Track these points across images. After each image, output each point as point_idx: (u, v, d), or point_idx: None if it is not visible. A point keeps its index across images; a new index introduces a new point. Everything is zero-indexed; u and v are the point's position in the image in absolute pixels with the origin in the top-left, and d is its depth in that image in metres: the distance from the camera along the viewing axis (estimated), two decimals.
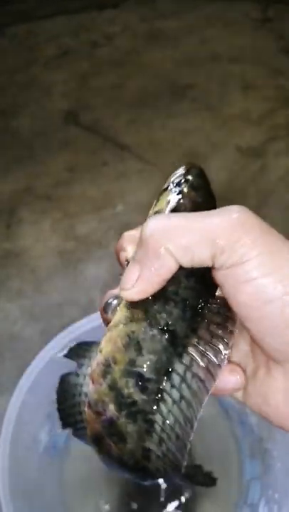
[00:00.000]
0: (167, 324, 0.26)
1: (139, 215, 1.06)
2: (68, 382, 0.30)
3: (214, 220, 0.26)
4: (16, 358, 0.89)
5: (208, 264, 0.25)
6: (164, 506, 0.70)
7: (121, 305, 0.28)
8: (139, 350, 0.26)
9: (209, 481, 0.56)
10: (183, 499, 0.70)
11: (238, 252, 0.25)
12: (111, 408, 0.26)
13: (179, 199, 0.30)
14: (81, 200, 1.10)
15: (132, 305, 0.27)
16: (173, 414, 0.26)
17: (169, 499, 0.70)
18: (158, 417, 0.26)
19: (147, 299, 0.27)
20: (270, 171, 1.14)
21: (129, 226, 1.09)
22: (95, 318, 0.62)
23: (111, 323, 0.28)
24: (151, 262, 0.26)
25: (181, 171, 0.32)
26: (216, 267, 0.25)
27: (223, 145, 1.19)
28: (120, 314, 0.28)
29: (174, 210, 0.30)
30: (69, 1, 1.64)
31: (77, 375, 0.30)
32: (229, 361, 0.29)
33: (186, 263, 0.26)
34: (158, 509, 0.70)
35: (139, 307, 0.27)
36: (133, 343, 0.26)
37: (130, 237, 0.32)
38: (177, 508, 0.69)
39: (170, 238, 0.26)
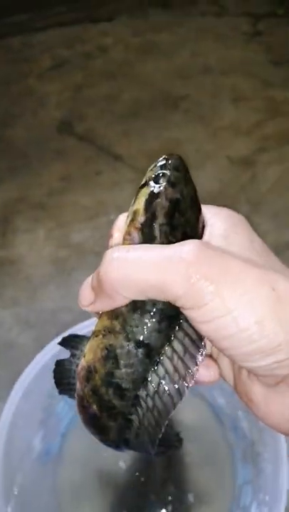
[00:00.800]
0: (143, 337, 0.27)
1: None
2: (63, 366, 0.32)
3: (170, 268, 0.25)
4: (11, 364, 0.90)
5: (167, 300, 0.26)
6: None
7: (104, 313, 0.29)
8: (116, 363, 0.27)
9: (177, 442, 0.57)
10: (176, 505, 0.71)
11: (192, 299, 0.25)
12: (94, 407, 0.29)
13: (156, 199, 0.29)
14: (75, 208, 1.11)
15: (111, 315, 0.28)
16: (147, 417, 0.28)
17: (163, 506, 0.71)
18: (135, 417, 0.28)
19: (125, 309, 0.28)
20: (259, 180, 1.16)
21: None
22: (89, 325, 0.63)
23: (93, 329, 0.29)
24: (104, 298, 0.28)
25: (159, 162, 0.30)
26: (176, 306, 0.26)
27: (214, 155, 1.22)
28: (101, 323, 0.29)
29: (151, 212, 0.29)
30: (64, 14, 1.68)
31: (70, 362, 0.32)
32: (207, 355, 0.30)
33: (141, 299, 0.27)
34: (150, 508, 0.70)
35: (118, 317, 0.28)
36: (111, 356, 0.28)
37: (120, 222, 0.34)
38: None
39: (124, 285, 0.26)
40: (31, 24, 1.63)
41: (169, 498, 0.71)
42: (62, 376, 0.32)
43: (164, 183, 0.29)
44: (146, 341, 0.27)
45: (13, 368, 0.90)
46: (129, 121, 1.30)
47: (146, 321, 0.27)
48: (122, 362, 0.28)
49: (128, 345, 0.27)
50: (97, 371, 0.28)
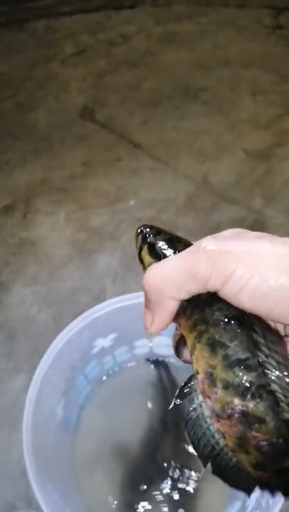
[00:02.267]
0: (227, 316, 0.29)
1: (151, 211, 1.12)
2: (191, 419, 0.30)
3: (192, 256, 0.29)
4: (31, 340, 0.95)
5: (206, 290, 0.29)
6: (167, 482, 0.75)
7: (184, 332, 0.31)
8: (223, 345, 0.29)
9: None
10: (187, 480, 0.75)
11: (220, 273, 0.27)
12: (237, 402, 0.27)
13: (156, 255, 0.34)
14: (95, 193, 1.15)
15: (192, 327, 0.30)
16: (281, 379, 0.27)
17: (171, 475, 0.75)
18: (274, 386, 0.27)
19: (197, 314, 0.30)
20: (275, 174, 1.19)
21: (141, 221, 1.16)
22: (111, 304, 0.66)
23: (189, 351, 0.31)
24: (156, 308, 0.31)
25: (144, 232, 0.35)
26: (212, 291, 0.28)
27: (231, 148, 1.25)
28: (190, 341, 0.30)
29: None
30: (87, 0, 1.69)
31: (194, 409, 0.30)
32: None
33: (186, 297, 0.30)
34: (160, 483, 0.74)
35: (199, 323, 0.30)
36: (216, 345, 0.29)
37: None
38: (180, 488, 0.73)
39: (163, 286, 0.29)
40: (55, 9, 1.64)
41: (178, 471, 0.76)
42: (196, 432, 0.30)
43: (154, 245, 0.34)
44: (231, 315, 0.29)
45: (33, 343, 0.95)
46: (150, 110, 1.33)
47: (220, 308, 0.30)
48: (226, 340, 0.29)
49: (220, 326, 0.29)
50: (216, 366, 0.28)
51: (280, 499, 0.50)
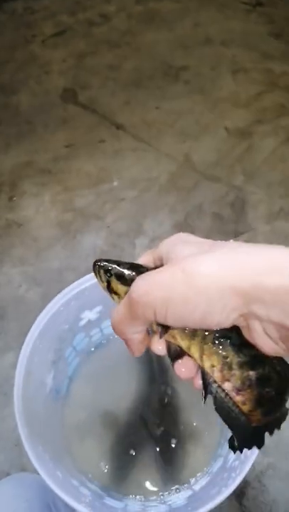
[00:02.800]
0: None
1: (134, 190, 1.14)
2: (218, 404, 0.34)
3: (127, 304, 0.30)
4: (20, 319, 0.98)
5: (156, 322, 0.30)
6: (154, 446, 0.79)
7: (183, 342, 0.33)
8: (226, 336, 0.32)
9: None
10: (171, 440, 0.79)
11: (146, 314, 0.29)
12: (251, 373, 0.32)
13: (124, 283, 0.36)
14: (79, 174, 1.17)
15: (192, 335, 0.32)
16: None
17: (160, 441, 0.79)
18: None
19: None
20: (255, 151, 1.22)
21: (125, 201, 1.18)
22: (90, 279, 0.68)
23: (196, 356, 0.33)
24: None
25: (104, 266, 0.38)
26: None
27: (212, 126, 1.26)
28: (195, 346, 0.33)
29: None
30: None
31: (215, 397, 0.34)
32: None
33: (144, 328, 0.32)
34: (148, 448, 0.78)
35: (198, 329, 0.32)
36: (221, 339, 0.32)
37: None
38: (167, 450, 0.77)
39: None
40: None
41: (164, 435, 0.80)
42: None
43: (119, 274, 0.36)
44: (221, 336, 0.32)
45: (22, 322, 0.98)
46: (131, 90, 1.34)
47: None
48: (227, 333, 0.31)
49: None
50: (228, 355, 0.32)
51: (255, 450, 0.54)
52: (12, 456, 0.79)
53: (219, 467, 0.64)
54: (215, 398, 0.34)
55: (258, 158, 1.20)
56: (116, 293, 0.36)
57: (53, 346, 0.70)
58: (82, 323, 0.73)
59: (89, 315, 0.72)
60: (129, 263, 0.36)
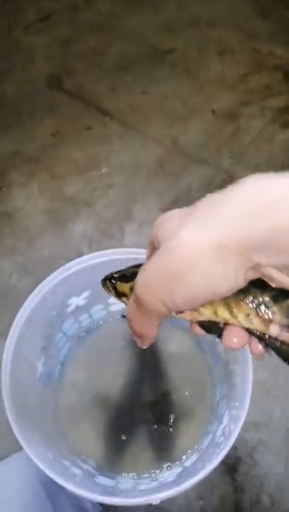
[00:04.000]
0: None
1: (122, 176, 1.14)
2: None
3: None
4: (13, 307, 0.98)
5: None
6: (147, 426, 0.80)
7: (219, 308, 0.29)
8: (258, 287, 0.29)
9: None
10: (164, 421, 0.80)
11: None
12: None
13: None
14: (67, 162, 1.17)
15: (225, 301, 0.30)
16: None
17: (152, 423, 0.81)
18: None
19: None
20: (242, 133, 1.21)
21: (114, 187, 1.18)
22: (82, 262, 0.69)
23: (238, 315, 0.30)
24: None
25: (109, 276, 0.38)
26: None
27: (199, 109, 1.26)
28: (234, 307, 0.30)
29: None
30: None
31: None
32: None
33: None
34: (141, 428, 0.80)
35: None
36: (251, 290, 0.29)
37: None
38: (159, 431, 0.79)
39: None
40: None
41: (157, 415, 0.82)
42: None
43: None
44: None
45: (15, 309, 0.98)
46: (117, 75, 1.33)
47: None
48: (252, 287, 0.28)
49: None
50: (262, 301, 0.29)
51: (238, 426, 0.55)
52: (10, 441, 0.81)
53: (207, 444, 0.66)
54: (276, 350, 0.30)
55: (245, 139, 1.20)
56: (125, 295, 0.35)
57: (42, 332, 0.71)
58: (70, 309, 0.74)
59: (76, 301, 0.73)
60: (132, 265, 0.36)
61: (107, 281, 0.37)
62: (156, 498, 0.47)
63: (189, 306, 0.27)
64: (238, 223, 0.23)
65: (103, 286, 0.38)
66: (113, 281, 0.37)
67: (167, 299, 0.26)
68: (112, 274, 0.38)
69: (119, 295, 0.36)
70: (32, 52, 1.41)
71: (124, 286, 0.35)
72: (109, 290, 0.38)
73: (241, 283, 0.25)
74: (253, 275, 0.25)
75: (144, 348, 0.32)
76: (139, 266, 0.34)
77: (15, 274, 1.02)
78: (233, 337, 0.29)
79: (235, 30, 1.48)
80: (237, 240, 0.23)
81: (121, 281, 0.36)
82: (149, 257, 0.32)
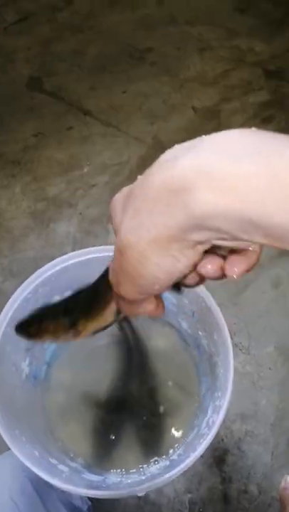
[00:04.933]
0: None
1: (104, 176, 1.15)
2: None
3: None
4: None
5: None
6: (135, 422, 0.81)
7: None
8: None
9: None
10: (151, 415, 0.81)
11: None
12: None
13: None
14: (49, 163, 1.17)
15: None
16: None
17: (139, 418, 0.81)
18: None
19: None
20: (224, 129, 1.22)
21: (96, 186, 1.19)
22: (62, 261, 0.70)
23: None
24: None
25: None
26: None
27: (180, 107, 1.27)
28: None
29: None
30: None
31: None
32: None
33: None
34: (129, 424, 0.81)
35: None
36: None
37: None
38: (147, 426, 0.80)
39: None
40: None
41: (144, 411, 0.82)
42: None
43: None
44: None
45: (0, 312, 0.99)
46: (97, 75, 1.33)
47: None
48: None
49: None
50: None
51: (220, 415, 0.56)
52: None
53: (193, 436, 0.67)
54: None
55: None
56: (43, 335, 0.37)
57: None
58: None
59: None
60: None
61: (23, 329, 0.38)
62: (141, 489, 0.48)
63: (163, 289, 0.27)
64: (158, 218, 0.23)
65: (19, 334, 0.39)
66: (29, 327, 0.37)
67: (141, 291, 0.27)
68: (21, 321, 0.38)
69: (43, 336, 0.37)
70: (12, 54, 1.40)
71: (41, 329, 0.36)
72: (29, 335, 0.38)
73: (196, 257, 0.25)
74: (202, 248, 0.25)
75: (161, 314, 0.31)
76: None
77: (0, 277, 1.02)
78: (208, 264, 0.27)
79: (215, 26, 1.49)
80: (165, 231, 0.23)
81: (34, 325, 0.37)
82: None
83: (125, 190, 0.28)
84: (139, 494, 0.47)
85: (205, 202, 0.22)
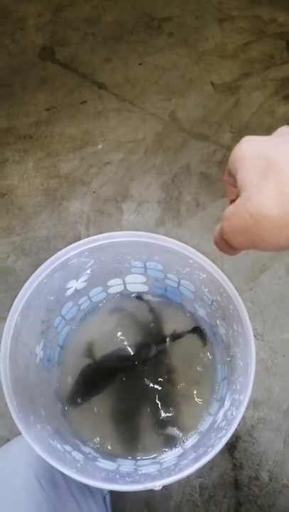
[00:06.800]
0: None
1: (119, 153, 1.11)
2: None
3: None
4: (10, 289, 0.98)
5: None
6: (151, 407, 0.80)
7: None
8: None
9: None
10: (168, 402, 0.80)
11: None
12: None
13: None
14: (62, 139, 1.13)
15: None
16: None
17: (154, 404, 0.81)
18: None
19: None
20: (243, 106, 1.18)
21: (110, 164, 1.15)
22: (79, 246, 0.68)
23: None
24: None
25: None
26: None
27: (198, 81, 1.21)
28: None
29: None
30: None
31: None
32: None
33: None
34: (144, 408, 0.80)
35: None
36: None
37: None
38: (163, 412, 0.79)
39: None
40: None
41: (159, 397, 0.82)
42: None
43: None
44: None
45: (11, 292, 0.98)
46: (112, 46, 1.28)
47: None
48: None
49: None
50: None
51: (240, 411, 0.55)
52: (11, 424, 0.81)
53: (208, 427, 0.66)
54: None
55: (246, 113, 1.16)
56: None
57: (40, 317, 0.70)
58: (69, 292, 0.73)
59: (75, 284, 0.72)
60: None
61: None
62: (158, 485, 0.47)
63: (273, 249, 0.30)
64: None
65: None
66: None
67: (253, 247, 0.31)
68: None
69: None
70: (22, 21, 1.34)
71: None
72: None
73: None
74: None
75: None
76: None
77: (11, 256, 1.00)
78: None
79: None
80: None
81: None
82: (226, 180, 0.37)
83: (256, 146, 0.32)
84: (156, 489, 0.47)
85: None
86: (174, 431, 0.73)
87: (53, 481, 0.52)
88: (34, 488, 0.50)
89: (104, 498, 0.56)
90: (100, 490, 0.59)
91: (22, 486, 0.49)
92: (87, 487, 0.57)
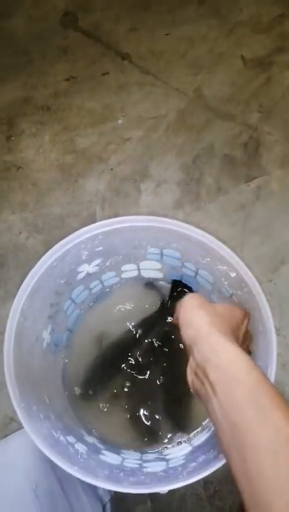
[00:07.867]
0: None
1: (140, 130, 1.05)
2: None
3: None
4: (21, 267, 0.95)
5: None
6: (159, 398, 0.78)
7: None
8: None
9: None
10: (176, 396, 0.77)
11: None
12: None
13: None
14: (80, 112, 1.08)
15: None
16: None
17: (165, 394, 0.78)
18: None
19: None
20: (274, 84, 1.10)
21: (130, 141, 1.09)
22: (93, 229, 0.64)
23: None
24: None
25: None
26: None
27: (228, 56, 1.14)
28: None
29: None
30: None
31: None
32: None
33: None
34: (152, 398, 0.77)
35: None
36: None
37: None
38: (173, 403, 0.77)
39: None
40: None
41: (168, 389, 0.79)
42: None
43: None
44: None
45: (23, 269, 0.95)
46: (138, 14, 1.20)
47: None
48: None
49: None
50: None
51: None
52: None
53: None
54: None
55: (277, 93, 1.09)
56: None
57: (49, 301, 0.67)
58: (81, 276, 0.70)
59: (87, 268, 0.69)
60: None
61: None
62: (164, 490, 0.44)
63: None
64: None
65: None
66: None
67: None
68: None
69: None
70: None
71: None
72: None
73: None
74: None
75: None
76: None
77: (24, 232, 0.97)
78: None
79: None
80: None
81: None
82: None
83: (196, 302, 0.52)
84: (162, 493, 0.44)
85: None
86: (181, 425, 0.71)
87: (49, 490, 0.50)
88: (27, 497, 0.48)
89: (104, 507, 0.54)
90: (100, 498, 0.57)
91: (15, 494, 0.47)
92: (86, 494, 0.55)
